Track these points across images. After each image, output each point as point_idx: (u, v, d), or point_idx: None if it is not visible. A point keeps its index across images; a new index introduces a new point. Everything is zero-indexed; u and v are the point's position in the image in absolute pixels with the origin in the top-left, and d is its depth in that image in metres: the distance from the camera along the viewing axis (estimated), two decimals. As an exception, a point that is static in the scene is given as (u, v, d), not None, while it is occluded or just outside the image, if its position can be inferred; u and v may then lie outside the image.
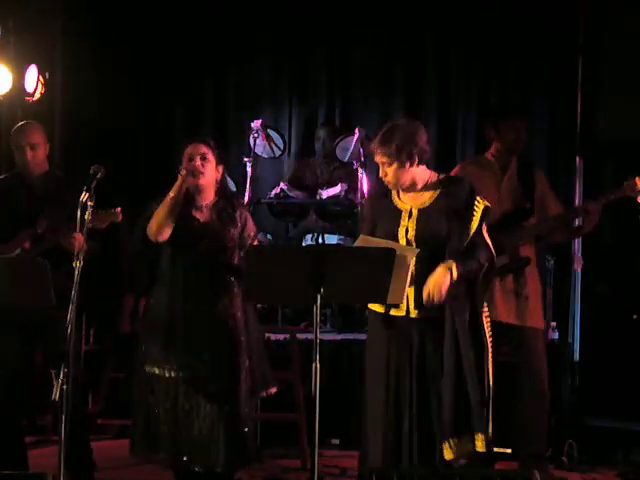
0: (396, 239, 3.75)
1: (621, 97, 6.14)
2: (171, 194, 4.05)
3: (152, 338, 4.16)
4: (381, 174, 3.83)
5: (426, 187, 3.83)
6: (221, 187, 4.24)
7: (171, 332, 4.10)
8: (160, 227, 4.08)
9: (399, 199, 3.86)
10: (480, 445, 3.69)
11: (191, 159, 4.11)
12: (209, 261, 4.11)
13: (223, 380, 4.07)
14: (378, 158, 3.80)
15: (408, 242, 3.75)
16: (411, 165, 3.77)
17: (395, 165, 3.75)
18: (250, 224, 4.26)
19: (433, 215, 3.76)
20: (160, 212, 4.07)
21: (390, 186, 3.84)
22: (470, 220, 3.75)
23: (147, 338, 4.19)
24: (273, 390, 4.27)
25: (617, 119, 6.05)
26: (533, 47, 6.87)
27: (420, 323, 3.75)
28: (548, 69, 6.91)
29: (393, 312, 3.78)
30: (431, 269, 3.65)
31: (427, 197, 3.81)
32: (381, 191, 3.97)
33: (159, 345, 4.12)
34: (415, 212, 3.79)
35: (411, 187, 3.82)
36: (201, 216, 4.16)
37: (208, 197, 4.19)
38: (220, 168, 4.22)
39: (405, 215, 3.80)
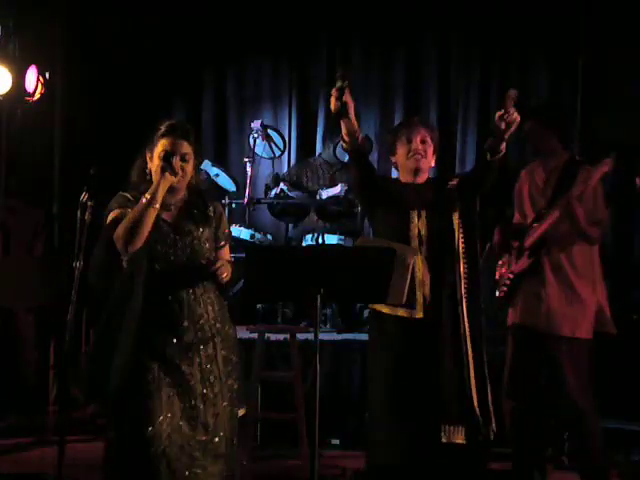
0: (408, 222, 3.86)
1: (621, 97, 6.15)
2: (147, 196, 3.47)
3: None
4: (420, 148, 3.99)
5: (424, 180, 4.06)
6: (192, 182, 3.66)
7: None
8: (134, 235, 3.43)
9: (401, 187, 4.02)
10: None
11: (171, 155, 3.53)
12: (183, 266, 3.56)
13: (219, 379, 3.94)
14: (422, 136, 4.01)
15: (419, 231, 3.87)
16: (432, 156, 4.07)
17: (432, 149, 4.02)
18: (224, 221, 3.73)
19: (439, 204, 3.92)
20: (135, 217, 3.44)
21: (420, 164, 3.99)
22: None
23: None
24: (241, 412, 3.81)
25: (617, 120, 6.05)
26: (533, 48, 6.88)
27: (436, 324, 3.78)
28: (548, 70, 6.92)
29: (401, 313, 3.80)
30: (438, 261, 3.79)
31: (425, 189, 3.98)
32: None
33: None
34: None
35: (420, 175, 4.03)
36: (169, 216, 3.61)
37: (178, 194, 3.63)
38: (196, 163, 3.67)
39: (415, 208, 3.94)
